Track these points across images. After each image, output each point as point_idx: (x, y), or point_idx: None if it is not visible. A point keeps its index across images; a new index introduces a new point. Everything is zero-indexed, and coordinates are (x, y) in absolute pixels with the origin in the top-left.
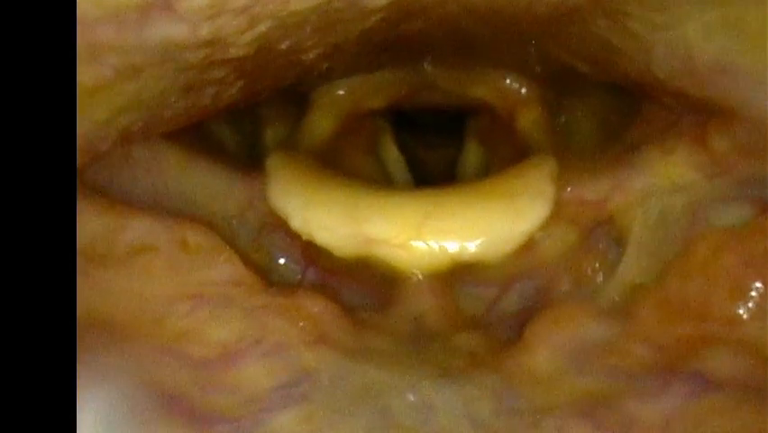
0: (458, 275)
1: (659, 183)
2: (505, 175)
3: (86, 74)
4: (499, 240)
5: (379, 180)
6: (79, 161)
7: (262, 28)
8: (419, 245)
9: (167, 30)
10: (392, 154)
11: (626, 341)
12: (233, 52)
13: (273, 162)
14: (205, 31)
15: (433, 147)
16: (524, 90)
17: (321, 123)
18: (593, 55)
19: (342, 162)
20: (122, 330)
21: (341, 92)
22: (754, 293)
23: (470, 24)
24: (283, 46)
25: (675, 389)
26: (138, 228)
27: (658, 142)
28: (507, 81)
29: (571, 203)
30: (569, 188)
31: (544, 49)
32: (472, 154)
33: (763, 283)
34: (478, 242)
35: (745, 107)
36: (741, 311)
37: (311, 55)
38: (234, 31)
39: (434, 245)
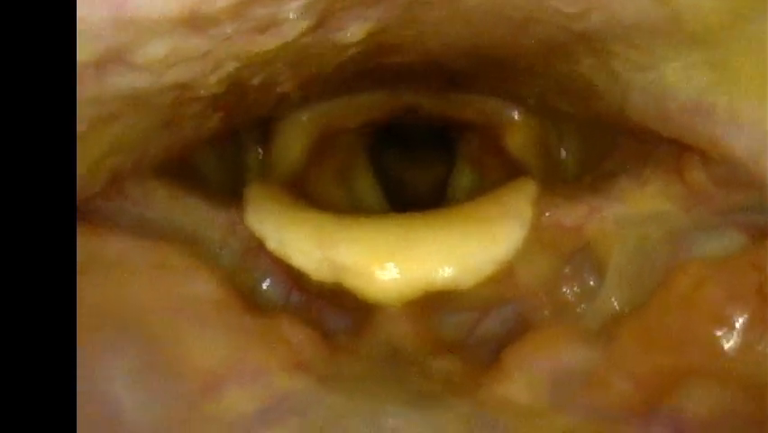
0: (435, 302)
1: (634, 213)
2: (483, 200)
3: None
4: (474, 266)
5: (352, 207)
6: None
7: (229, 69)
8: (389, 273)
9: (128, 80)
10: (366, 181)
11: (606, 372)
12: (204, 92)
13: (251, 190)
14: (169, 78)
15: (423, 165)
16: (512, 113)
17: (293, 148)
18: (574, 94)
19: (317, 189)
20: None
21: (312, 115)
22: (738, 326)
23: (451, 60)
24: (255, 82)
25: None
26: (116, 247)
27: (634, 171)
28: (494, 104)
29: (549, 228)
30: (547, 213)
31: (530, 84)
32: (463, 176)
33: (750, 315)
34: (451, 268)
35: (719, 147)
36: (724, 344)
37: (287, 86)
38: (200, 74)
39: (405, 273)
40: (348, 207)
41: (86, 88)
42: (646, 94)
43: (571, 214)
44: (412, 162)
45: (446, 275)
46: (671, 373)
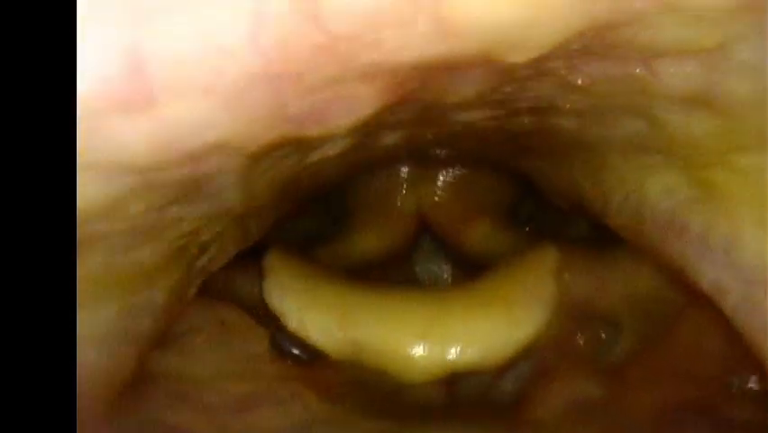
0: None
1: (637, 291)
2: (507, 273)
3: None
4: (500, 349)
5: None
6: (176, 309)
7: (286, 174)
8: (420, 357)
9: (205, 205)
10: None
11: (624, 396)
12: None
13: (269, 261)
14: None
15: None
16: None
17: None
18: (568, 195)
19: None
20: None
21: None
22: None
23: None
24: (306, 182)
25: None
26: (183, 314)
27: (631, 249)
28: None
29: (563, 297)
30: (561, 281)
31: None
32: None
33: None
34: (476, 352)
35: (688, 271)
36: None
37: (336, 173)
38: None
39: (435, 357)
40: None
41: (162, 217)
42: (625, 204)
43: (584, 285)
44: None
45: (472, 359)
46: (685, 396)
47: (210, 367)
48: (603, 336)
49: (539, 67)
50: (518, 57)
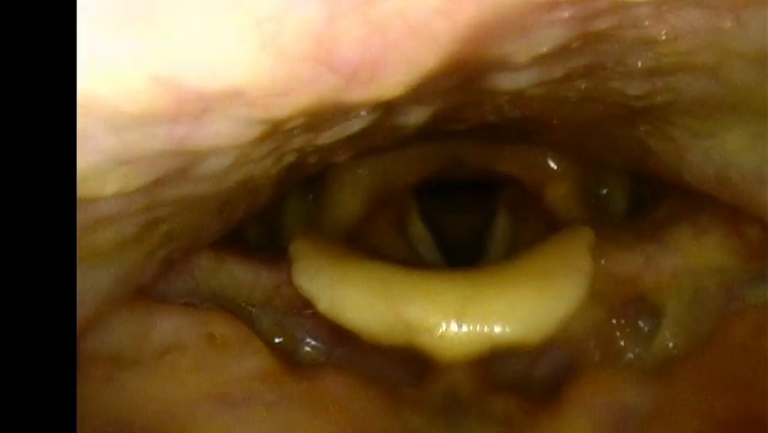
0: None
1: (692, 264)
2: (541, 250)
3: (104, 236)
4: (540, 323)
5: (408, 258)
6: (122, 294)
7: (290, 159)
8: (459, 333)
9: (187, 189)
10: (419, 229)
11: (669, 409)
12: (263, 180)
13: (297, 245)
14: (232, 180)
15: (460, 212)
16: (552, 165)
17: (348, 202)
18: (626, 152)
19: (368, 241)
20: None
21: (366, 171)
22: None
23: (502, 121)
24: (312, 160)
25: None
26: (166, 327)
27: (690, 220)
28: (536, 156)
29: (602, 279)
30: (602, 262)
31: (579, 141)
32: (501, 224)
33: None
34: (518, 327)
35: None
36: None
37: (341, 158)
38: (262, 171)
39: (475, 333)
40: (406, 257)
41: (137, 201)
42: (705, 159)
43: (627, 264)
44: (450, 207)
45: (515, 334)
46: (736, 412)
47: (196, 391)
48: (642, 325)
49: (626, 14)
50: None
